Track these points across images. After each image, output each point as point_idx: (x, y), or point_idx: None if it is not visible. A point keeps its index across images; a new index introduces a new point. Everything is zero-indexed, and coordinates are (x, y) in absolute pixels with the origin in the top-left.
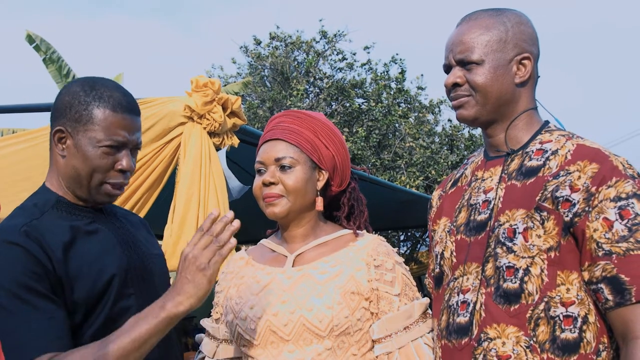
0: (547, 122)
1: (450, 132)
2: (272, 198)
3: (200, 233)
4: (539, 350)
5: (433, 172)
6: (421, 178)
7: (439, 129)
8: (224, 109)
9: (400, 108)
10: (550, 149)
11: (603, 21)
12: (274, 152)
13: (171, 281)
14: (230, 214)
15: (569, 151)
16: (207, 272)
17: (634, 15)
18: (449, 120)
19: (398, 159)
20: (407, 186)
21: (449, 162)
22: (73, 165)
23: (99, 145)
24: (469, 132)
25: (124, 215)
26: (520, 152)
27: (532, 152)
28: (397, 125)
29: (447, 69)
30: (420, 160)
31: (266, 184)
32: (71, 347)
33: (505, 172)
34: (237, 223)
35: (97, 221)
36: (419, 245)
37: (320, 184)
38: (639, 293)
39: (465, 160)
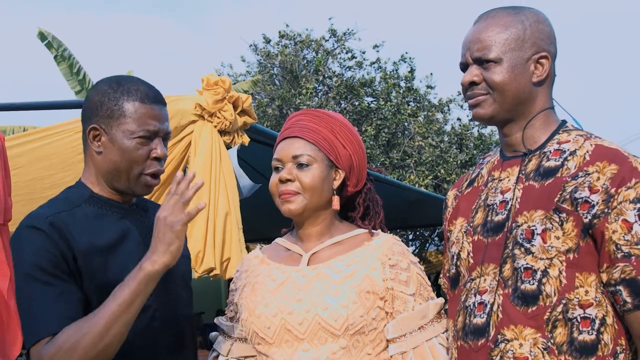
0: (564, 122)
1: (459, 131)
2: (289, 195)
3: (169, 196)
4: (556, 352)
5: (442, 171)
6: (430, 177)
7: (448, 127)
8: (235, 107)
9: (410, 107)
10: (568, 150)
11: (612, 10)
12: (291, 149)
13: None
14: (191, 173)
15: (587, 152)
16: (175, 228)
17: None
18: (458, 119)
19: (407, 157)
20: (416, 185)
21: (458, 161)
22: (111, 159)
23: (133, 137)
24: (478, 131)
25: (156, 209)
26: (537, 152)
27: (550, 152)
28: (406, 124)
29: (464, 67)
30: (430, 159)
31: (283, 181)
32: None
33: (523, 172)
34: (200, 181)
35: (126, 217)
36: (427, 245)
37: (336, 183)
38: None
39: (481, 160)
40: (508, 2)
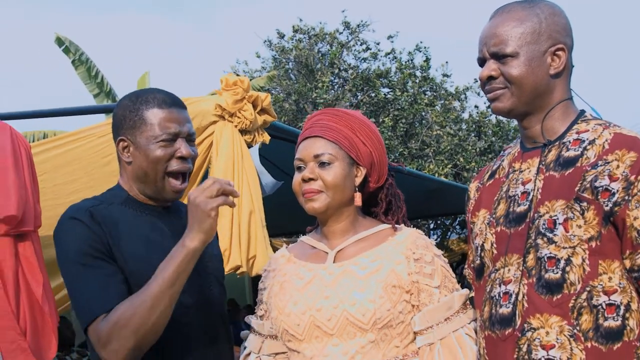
0: (583, 112)
1: (477, 118)
2: (312, 194)
3: (211, 181)
4: (582, 338)
5: (461, 159)
6: (449, 166)
7: (465, 115)
8: (254, 106)
9: (426, 96)
10: (587, 139)
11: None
12: (312, 148)
13: None
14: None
15: (606, 140)
16: (206, 208)
17: None
18: (476, 106)
19: (425, 147)
20: (436, 174)
21: (477, 149)
22: (139, 166)
23: (156, 141)
24: (496, 118)
25: None
26: (557, 143)
27: (569, 142)
28: (423, 113)
29: (482, 62)
30: (448, 148)
31: (305, 180)
32: None
33: (543, 163)
34: (238, 193)
35: (161, 219)
36: (449, 233)
37: (358, 180)
38: None
39: (502, 152)
40: None
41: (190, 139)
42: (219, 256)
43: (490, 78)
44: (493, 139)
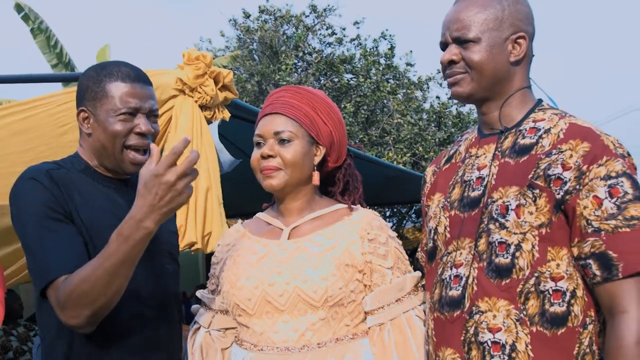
0: (540, 101)
1: (438, 109)
2: (270, 170)
3: (173, 156)
4: (528, 323)
5: (420, 148)
6: (408, 155)
7: (426, 105)
8: (216, 82)
9: (389, 84)
10: (543, 128)
11: None
12: (272, 125)
13: None
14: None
15: (561, 130)
16: (180, 199)
17: None
18: (437, 97)
19: (386, 135)
20: (395, 162)
21: (437, 139)
22: (98, 139)
23: (115, 114)
24: (456, 109)
25: None
26: (513, 130)
27: (526, 130)
28: (385, 101)
29: (444, 46)
30: (408, 136)
31: (264, 157)
32: None
33: (499, 149)
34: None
35: (117, 192)
36: (404, 222)
37: (317, 159)
38: (626, 269)
39: (459, 137)
40: None
41: (151, 114)
42: (175, 232)
43: (451, 62)
44: (453, 130)
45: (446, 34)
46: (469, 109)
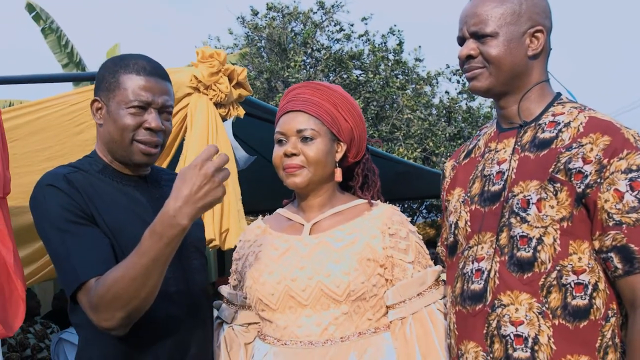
0: (559, 94)
1: (447, 104)
2: (294, 169)
3: (211, 149)
4: (550, 316)
5: (431, 143)
6: (419, 150)
7: (436, 100)
8: (230, 79)
9: (398, 80)
10: (562, 121)
11: None
12: (295, 123)
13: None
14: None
15: (581, 123)
16: (217, 192)
17: None
18: (447, 92)
19: (396, 130)
20: (405, 158)
21: (447, 134)
22: (108, 130)
23: (127, 107)
24: (466, 104)
25: (171, 180)
26: (533, 124)
27: (545, 124)
28: (394, 97)
29: (461, 41)
30: (418, 132)
31: (288, 155)
32: None
33: (519, 143)
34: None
35: (138, 190)
36: (415, 217)
37: (338, 156)
38: None
39: (478, 132)
40: None
41: (164, 111)
42: (201, 225)
43: (469, 57)
44: (463, 124)
45: (463, 28)
46: (478, 103)
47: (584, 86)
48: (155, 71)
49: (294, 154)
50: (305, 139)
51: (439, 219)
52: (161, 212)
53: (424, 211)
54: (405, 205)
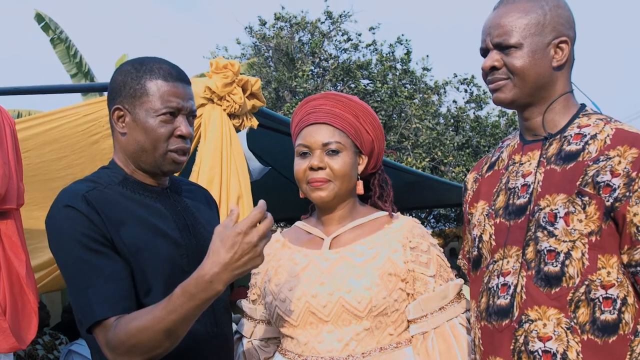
0: (584, 106)
1: (455, 113)
2: (320, 183)
3: (258, 215)
4: (579, 331)
5: (439, 153)
6: (427, 159)
7: (444, 110)
8: (244, 90)
9: (406, 89)
10: (589, 134)
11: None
12: (320, 135)
13: None
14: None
15: (608, 136)
16: (257, 261)
17: None
18: (454, 101)
19: (404, 140)
20: (414, 167)
21: (455, 144)
22: (135, 139)
23: (157, 115)
24: (474, 113)
25: (190, 191)
26: (558, 136)
27: (571, 136)
28: (402, 106)
29: (484, 52)
30: (426, 141)
31: (314, 169)
32: (135, 308)
33: (544, 156)
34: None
35: (160, 201)
36: (423, 226)
37: (360, 168)
38: None
39: (500, 144)
40: None
41: (190, 115)
42: None
43: (493, 68)
44: (471, 134)
45: (487, 39)
46: (486, 112)
47: (590, 93)
48: (180, 76)
49: (320, 168)
50: (331, 152)
51: (446, 228)
52: (197, 274)
53: (432, 220)
54: (413, 215)
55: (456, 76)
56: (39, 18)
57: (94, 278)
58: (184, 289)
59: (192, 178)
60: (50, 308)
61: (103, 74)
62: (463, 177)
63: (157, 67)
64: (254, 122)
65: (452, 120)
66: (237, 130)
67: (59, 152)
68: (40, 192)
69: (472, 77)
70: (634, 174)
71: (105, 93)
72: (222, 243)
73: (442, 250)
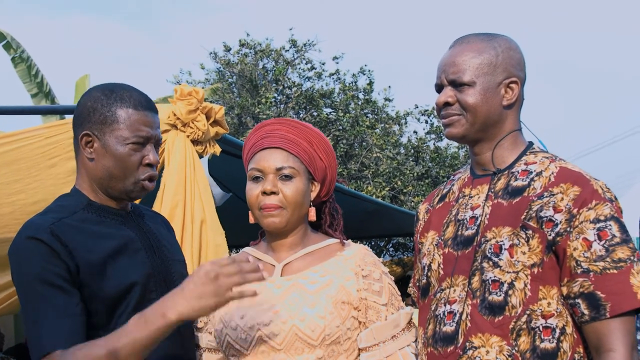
0: (531, 144)
1: (416, 143)
2: (272, 209)
3: (230, 260)
4: (520, 358)
5: (399, 182)
6: (387, 188)
7: (404, 140)
8: (207, 117)
9: (368, 119)
10: (534, 170)
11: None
12: (273, 160)
13: None
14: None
15: (552, 173)
16: (220, 298)
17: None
18: (415, 132)
19: (364, 169)
20: (374, 196)
21: (415, 174)
22: (104, 166)
23: (126, 143)
24: (434, 144)
25: (151, 217)
26: (506, 172)
27: (518, 172)
28: (364, 135)
29: (439, 88)
30: (387, 170)
31: (267, 193)
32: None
33: (492, 190)
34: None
35: (125, 225)
36: (383, 254)
37: (313, 195)
38: (613, 309)
39: (452, 177)
40: (463, 23)
41: (157, 143)
42: (183, 262)
43: (447, 104)
44: (430, 164)
45: (442, 76)
46: (446, 143)
47: (581, 114)
48: (149, 105)
49: (273, 192)
50: (284, 177)
51: (405, 257)
52: (157, 303)
53: (391, 249)
54: (372, 243)
55: (417, 107)
56: (1, 37)
57: (48, 312)
58: (141, 314)
59: (156, 204)
60: (3, 331)
61: (64, 95)
62: None
63: (128, 96)
64: (217, 149)
65: (412, 151)
66: (200, 156)
67: (16, 175)
68: None
69: (433, 108)
70: (575, 211)
71: (67, 116)
72: (191, 277)
73: (393, 278)
